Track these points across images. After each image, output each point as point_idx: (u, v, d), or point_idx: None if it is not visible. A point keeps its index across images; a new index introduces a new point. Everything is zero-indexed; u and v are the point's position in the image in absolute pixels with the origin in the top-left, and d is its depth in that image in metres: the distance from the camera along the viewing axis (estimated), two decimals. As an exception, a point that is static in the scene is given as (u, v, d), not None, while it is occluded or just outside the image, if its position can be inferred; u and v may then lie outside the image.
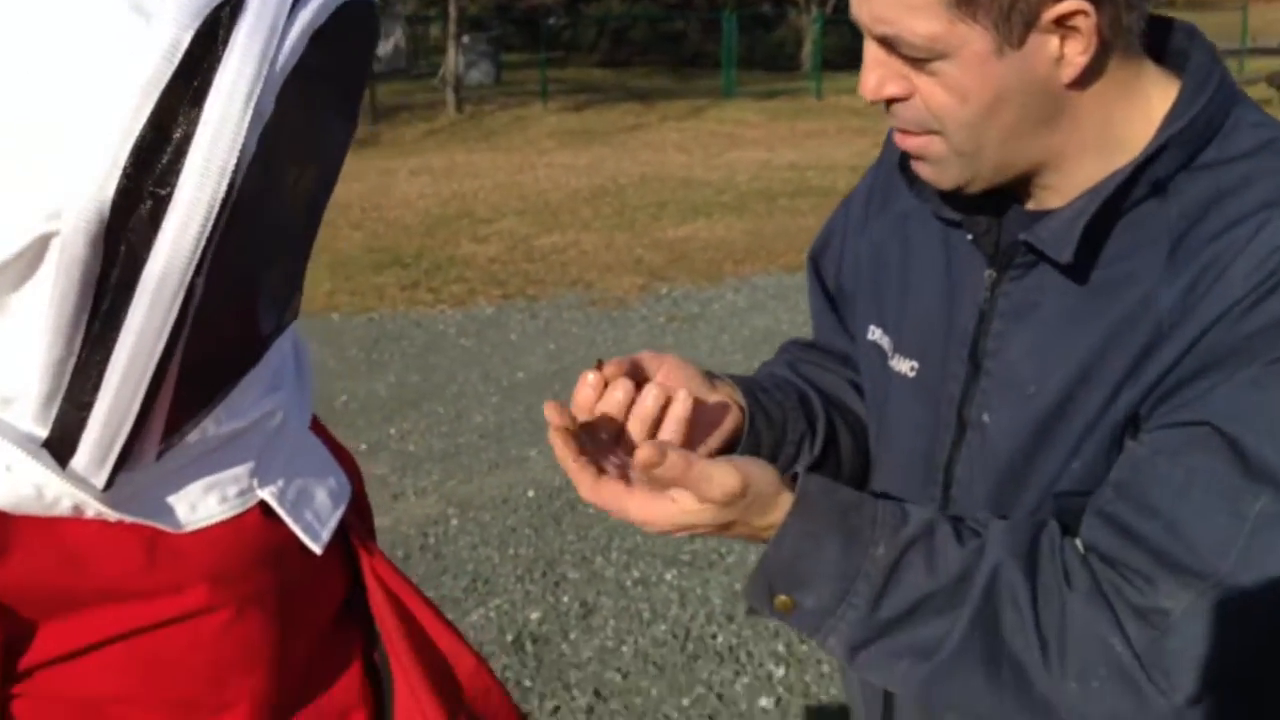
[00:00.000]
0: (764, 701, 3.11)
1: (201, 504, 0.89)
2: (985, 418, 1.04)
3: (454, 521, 4.19)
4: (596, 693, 3.14)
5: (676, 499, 0.93)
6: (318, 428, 1.07)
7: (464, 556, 3.93)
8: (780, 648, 3.34)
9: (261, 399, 0.94)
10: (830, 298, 1.32)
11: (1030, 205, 1.03)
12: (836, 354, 1.32)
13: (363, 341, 6.45)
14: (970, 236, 1.05)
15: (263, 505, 0.92)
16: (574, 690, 3.16)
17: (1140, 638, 0.87)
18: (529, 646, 3.37)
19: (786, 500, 0.94)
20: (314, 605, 0.98)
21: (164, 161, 0.67)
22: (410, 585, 1.03)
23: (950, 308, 1.09)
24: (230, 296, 0.80)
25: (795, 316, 6.66)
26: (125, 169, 0.66)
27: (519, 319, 6.88)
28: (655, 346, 6.03)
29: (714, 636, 3.42)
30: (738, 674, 3.23)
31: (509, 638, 3.41)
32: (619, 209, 10.04)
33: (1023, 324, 1.01)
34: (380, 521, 4.09)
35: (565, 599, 3.65)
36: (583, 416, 1.00)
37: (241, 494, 0.91)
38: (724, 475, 0.91)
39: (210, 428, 0.87)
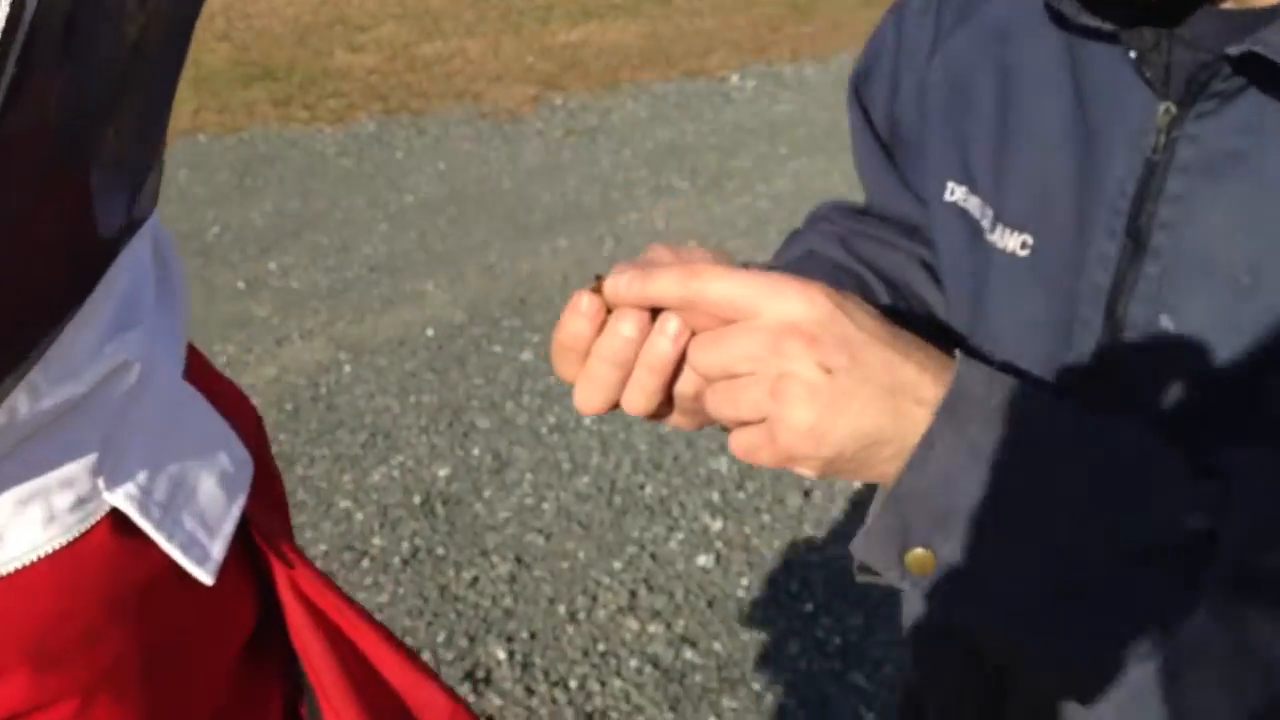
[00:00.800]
0: (702, 560, 2.87)
1: (14, 530, 0.55)
2: (1164, 320, 0.72)
3: (347, 368, 3.82)
4: (518, 559, 2.88)
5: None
6: (195, 362, 0.72)
7: (360, 407, 3.58)
8: (715, 496, 3.10)
9: (106, 345, 0.58)
10: (884, 144, 0.99)
11: (1226, 5, 0.70)
12: (897, 223, 0.99)
13: (234, 165, 5.92)
14: (1133, 53, 0.72)
15: (114, 516, 0.58)
16: (493, 557, 2.89)
17: None
18: (439, 509, 3.08)
19: (931, 396, 0.60)
20: (205, 656, 0.65)
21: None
22: (347, 601, 0.70)
23: (1088, 159, 0.76)
24: (35, 176, 0.45)
25: (701, 127, 6.28)
26: None
27: (404, 136, 6.39)
28: (553, 163, 5.65)
29: (641, 487, 3.17)
30: (671, 530, 2.99)
31: (416, 499, 3.11)
32: (504, 12, 9.43)
33: (1223, 182, 0.69)
34: (264, 371, 3.73)
35: (476, 451, 3.35)
36: (571, 359, 0.65)
37: (80, 504, 0.57)
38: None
39: (21, 405, 0.53)
